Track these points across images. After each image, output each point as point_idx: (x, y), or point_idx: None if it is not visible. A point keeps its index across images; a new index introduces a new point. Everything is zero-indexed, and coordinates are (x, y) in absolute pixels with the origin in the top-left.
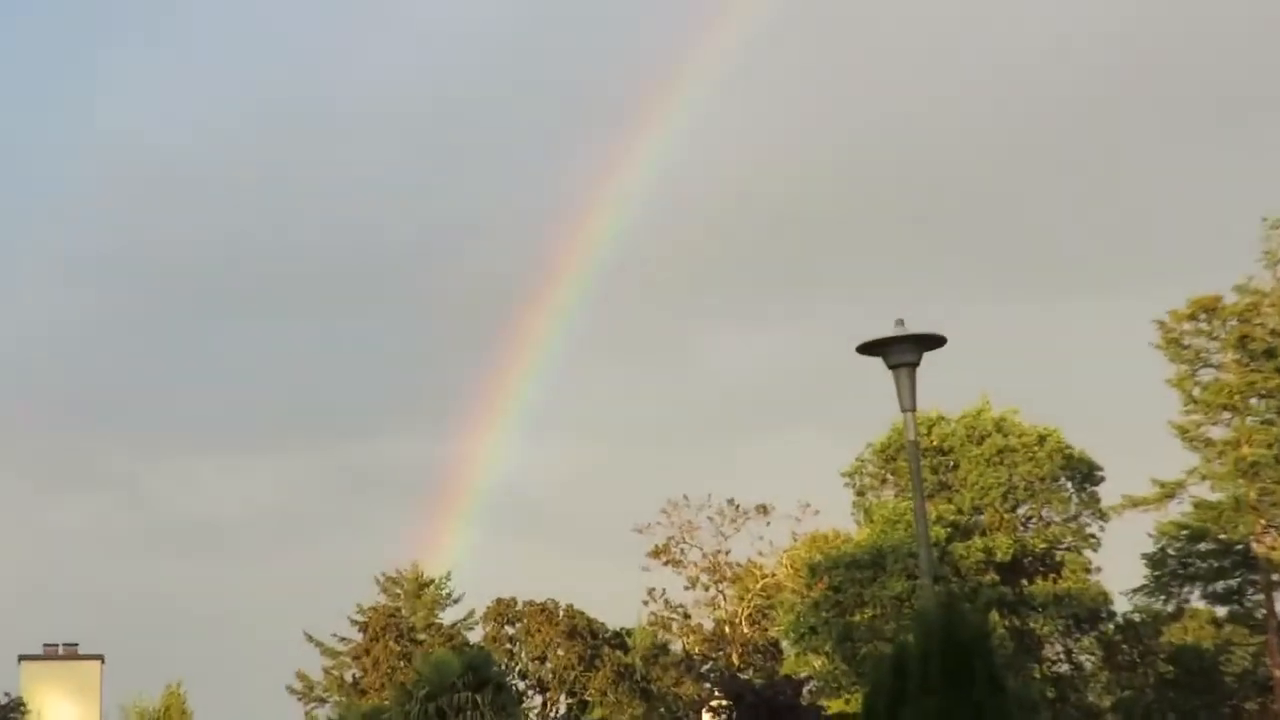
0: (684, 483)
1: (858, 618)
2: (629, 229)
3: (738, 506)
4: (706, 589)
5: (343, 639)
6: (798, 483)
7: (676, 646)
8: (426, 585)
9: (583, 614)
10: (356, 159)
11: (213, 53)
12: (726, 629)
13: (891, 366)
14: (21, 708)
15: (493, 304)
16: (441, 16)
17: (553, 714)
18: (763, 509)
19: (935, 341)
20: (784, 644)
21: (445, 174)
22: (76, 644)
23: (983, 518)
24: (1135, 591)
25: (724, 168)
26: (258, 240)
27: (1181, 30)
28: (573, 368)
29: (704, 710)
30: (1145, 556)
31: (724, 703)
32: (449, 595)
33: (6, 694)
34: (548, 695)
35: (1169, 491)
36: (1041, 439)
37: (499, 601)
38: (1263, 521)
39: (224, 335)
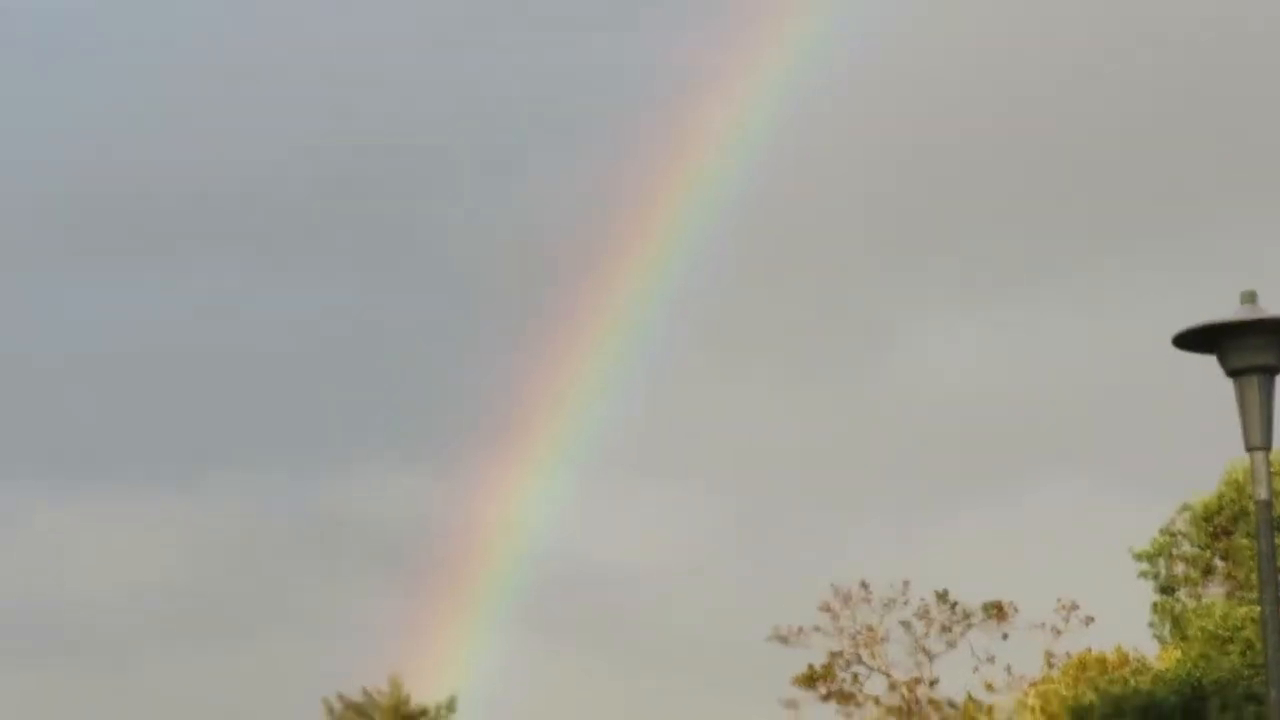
0: (861, 564)
1: None
2: (787, 139)
3: (954, 605)
4: None
5: None
6: (1055, 569)
7: None
8: (414, 719)
9: None
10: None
11: None
12: None
13: (1232, 372)
14: None
15: (538, 255)
16: None
17: None
18: (996, 610)
19: None
20: None
21: (473, 40)
22: None
23: None
24: None
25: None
26: (151, 151)
27: None
28: (679, 370)
29: None
30: None
31: None
32: None
33: None
34: None
35: None
36: None
37: None
38: None
39: (78, 301)
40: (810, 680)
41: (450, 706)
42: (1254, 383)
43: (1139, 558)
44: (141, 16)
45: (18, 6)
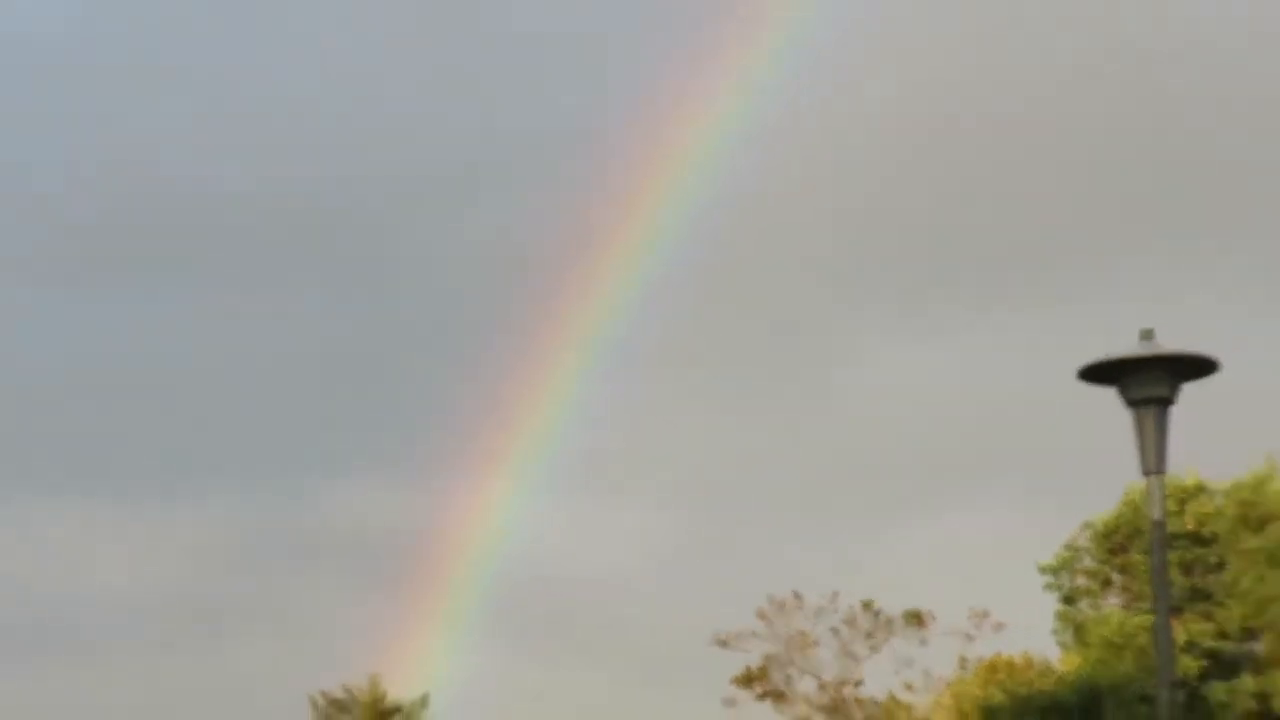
0: (797, 574)
1: None
2: (744, 161)
3: (877, 613)
4: None
5: None
6: (970, 580)
7: None
8: (391, 714)
9: None
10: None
11: None
12: None
13: (1131, 403)
14: None
15: (508, 275)
16: None
17: None
18: (916, 618)
19: (1200, 367)
20: None
21: (471, 44)
22: None
23: (1259, 646)
24: None
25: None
26: (125, 167)
27: None
28: (634, 388)
29: None
30: None
31: None
32: None
33: None
34: None
35: None
36: None
37: None
38: None
39: (62, 313)
40: (748, 680)
41: (423, 703)
42: (1151, 413)
43: (1044, 571)
44: (140, 18)
45: (15, 9)
